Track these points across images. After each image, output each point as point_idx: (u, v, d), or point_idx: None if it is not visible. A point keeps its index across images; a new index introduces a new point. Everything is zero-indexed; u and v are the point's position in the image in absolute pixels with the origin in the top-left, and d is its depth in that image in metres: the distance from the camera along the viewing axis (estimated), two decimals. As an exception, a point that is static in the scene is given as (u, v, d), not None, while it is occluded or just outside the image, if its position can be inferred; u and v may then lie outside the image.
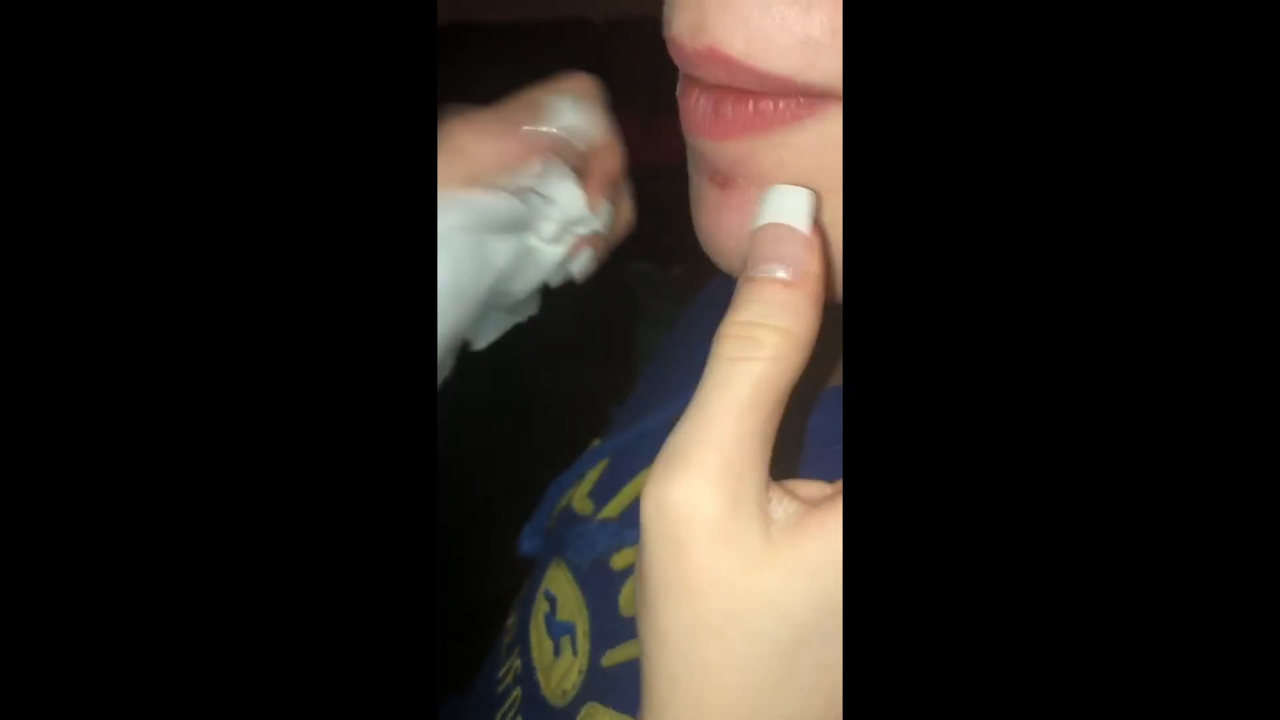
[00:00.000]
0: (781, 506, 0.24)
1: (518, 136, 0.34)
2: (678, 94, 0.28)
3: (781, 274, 0.24)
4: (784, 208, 0.25)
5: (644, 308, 1.42)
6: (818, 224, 0.25)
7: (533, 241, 0.34)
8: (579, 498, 0.41)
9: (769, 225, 0.25)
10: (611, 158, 0.35)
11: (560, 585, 0.39)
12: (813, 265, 0.24)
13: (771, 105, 0.25)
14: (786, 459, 0.26)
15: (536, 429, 1.31)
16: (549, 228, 0.34)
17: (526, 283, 0.35)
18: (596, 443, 0.44)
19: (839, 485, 0.25)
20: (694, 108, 0.27)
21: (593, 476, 0.42)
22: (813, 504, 0.24)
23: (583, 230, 0.35)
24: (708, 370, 0.24)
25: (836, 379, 0.37)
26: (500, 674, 0.41)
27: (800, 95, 0.25)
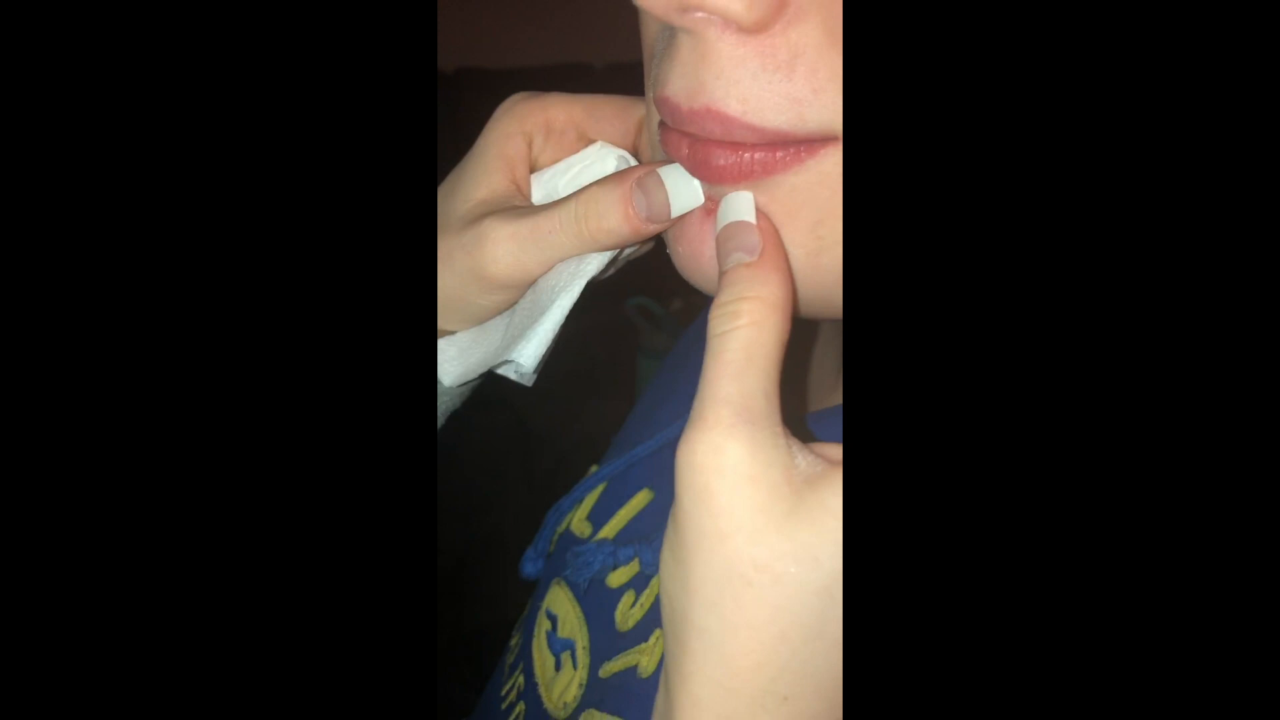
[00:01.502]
0: (804, 458, 0.26)
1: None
2: (659, 140, 0.30)
3: (744, 258, 0.27)
4: (733, 211, 0.29)
5: (644, 341, 1.44)
6: (763, 214, 0.28)
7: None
8: (578, 521, 0.43)
9: (724, 227, 0.28)
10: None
11: (560, 604, 0.41)
12: (768, 243, 0.28)
13: (769, 155, 0.28)
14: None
15: (543, 461, 1.33)
16: None
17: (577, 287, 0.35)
18: (594, 469, 0.45)
19: None
20: (682, 157, 0.29)
21: (590, 501, 0.44)
22: (834, 460, 0.26)
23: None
24: (705, 351, 0.26)
25: (834, 399, 0.39)
26: (504, 691, 0.43)
27: (796, 144, 0.27)
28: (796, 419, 0.26)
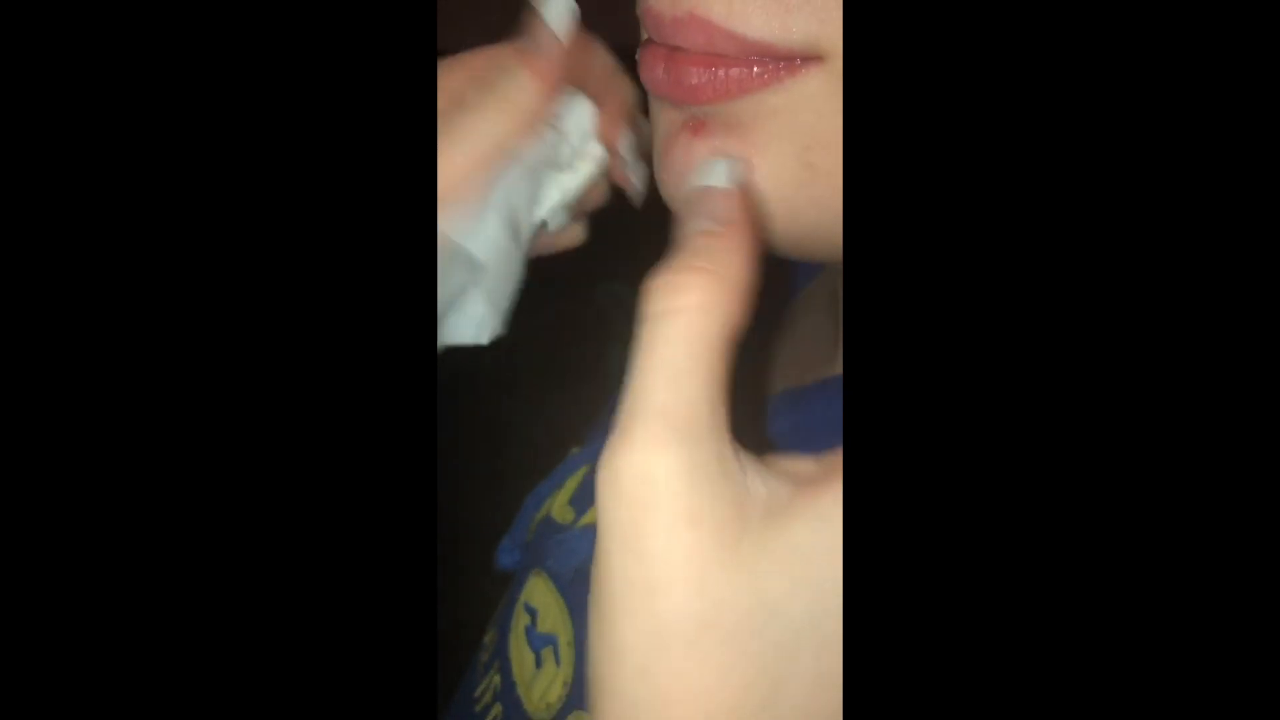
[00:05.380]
0: (762, 482, 0.22)
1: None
2: (638, 60, 0.30)
3: (710, 226, 0.24)
4: (707, 175, 0.27)
5: (615, 328, 1.43)
6: (742, 183, 0.27)
7: (550, 171, 0.33)
8: (558, 506, 0.41)
9: (694, 190, 0.26)
10: (624, 90, 0.34)
11: (541, 596, 0.39)
12: (735, 215, 0.25)
13: (746, 71, 0.27)
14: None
15: (510, 451, 1.31)
16: (565, 151, 0.33)
17: (537, 214, 0.33)
18: (575, 450, 0.43)
19: (833, 460, 0.22)
20: (659, 77, 0.28)
21: (572, 485, 0.41)
22: (802, 481, 0.22)
23: (592, 158, 0.34)
24: (643, 335, 0.22)
25: (823, 372, 0.37)
26: (478, 692, 0.40)
27: (780, 59, 0.26)
28: (756, 419, 0.23)
